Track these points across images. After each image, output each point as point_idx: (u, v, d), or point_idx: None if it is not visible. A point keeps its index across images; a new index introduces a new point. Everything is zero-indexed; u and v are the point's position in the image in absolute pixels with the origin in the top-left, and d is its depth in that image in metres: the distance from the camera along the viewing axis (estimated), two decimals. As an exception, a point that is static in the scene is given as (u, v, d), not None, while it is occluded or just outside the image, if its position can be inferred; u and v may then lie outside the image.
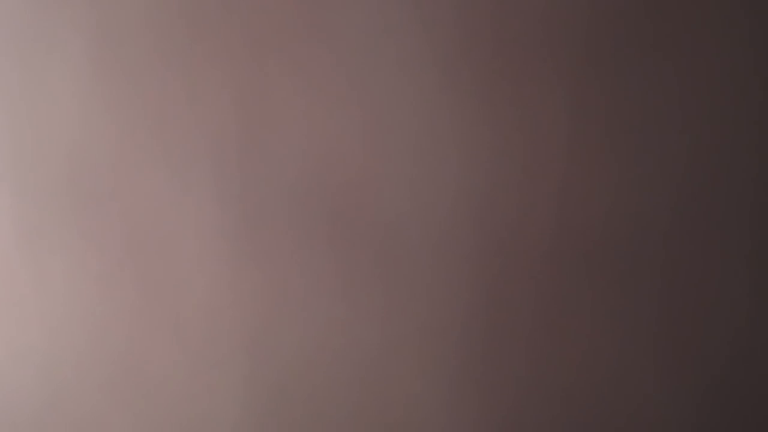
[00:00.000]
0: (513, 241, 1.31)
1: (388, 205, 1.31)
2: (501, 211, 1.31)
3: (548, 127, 1.32)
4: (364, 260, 1.31)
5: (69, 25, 1.27)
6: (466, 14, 1.29)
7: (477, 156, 1.31)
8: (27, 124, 1.28)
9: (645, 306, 1.31)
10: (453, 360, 1.31)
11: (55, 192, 1.29)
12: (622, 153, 1.32)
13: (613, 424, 1.31)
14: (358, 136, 1.31)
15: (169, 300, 1.30)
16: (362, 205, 1.30)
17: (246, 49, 1.29)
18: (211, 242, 1.30)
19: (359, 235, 1.31)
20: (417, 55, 1.29)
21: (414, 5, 1.29)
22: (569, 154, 1.32)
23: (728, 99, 1.31)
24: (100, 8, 1.27)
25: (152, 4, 1.28)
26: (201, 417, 1.30)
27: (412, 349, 1.31)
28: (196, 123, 1.30)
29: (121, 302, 1.29)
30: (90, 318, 1.29)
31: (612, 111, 1.32)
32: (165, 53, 1.27)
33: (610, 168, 1.32)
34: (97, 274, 1.29)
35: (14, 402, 1.29)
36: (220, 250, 1.30)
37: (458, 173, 1.31)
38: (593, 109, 1.32)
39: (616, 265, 1.31)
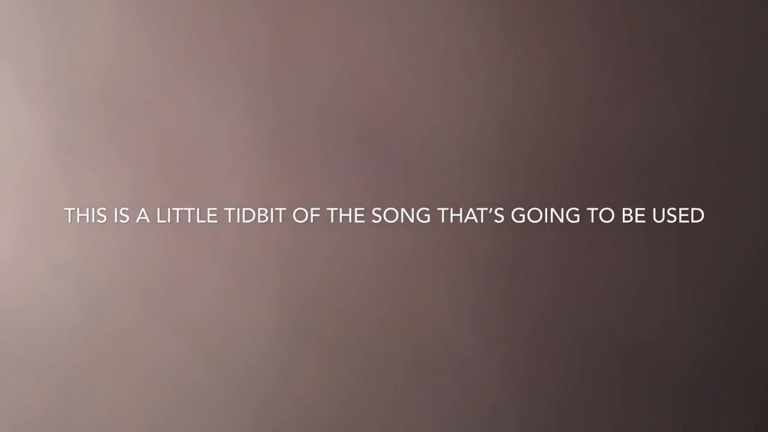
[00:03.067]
0: (539, 155, 1.33)
1: (418, 119, 1.33)
2: (528, 125, 1.33)
3: (573, 43, 1.33)
4: (394, 173, 1.33)
5: (103, -59, 1.29)
6: (494, -71, 1.31)
7: (504, 71, 1.33)
8: (62, 40, 1.30)
9: (669, 219, 1.34)
10: (481, 272, 1.34)
11: (90, 107, 1.31)
12: (647, 68, 1.33)
13: (638, 334, 1.34)
14: (388, 51, 1.32)
15: (202, 212, 1.32)
16: (392, 118, 1.32)
17: (277, -35, 1.31)
18: (244, 155, 1.32)
19: (389, 148, 1.33)
20: (446, -31, 1.31)
21: None
22: (594, 70, 1.33)
23: (750, 15, 1.33)
24: (133, -76, 1.29)
25: None
26: (235, 328, 1.33)
27: (441, 262, 1.34)
28: (229, 38, 1.31)
29: (156, 215, 1.32)
30: (126, 231, 1.32)
31: (636, 27, 1.33)
32: (198, -32, 1.29)
33: (634, 83, 1.33)
34: (132, 188, 1.32)
35: (53, 314, 1.32)
36: (253, 163, 1.32)
37: (486, 88, 1.33)
38: (617, 25, 1.33)
39: (640, 178, 1.33)
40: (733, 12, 1.33)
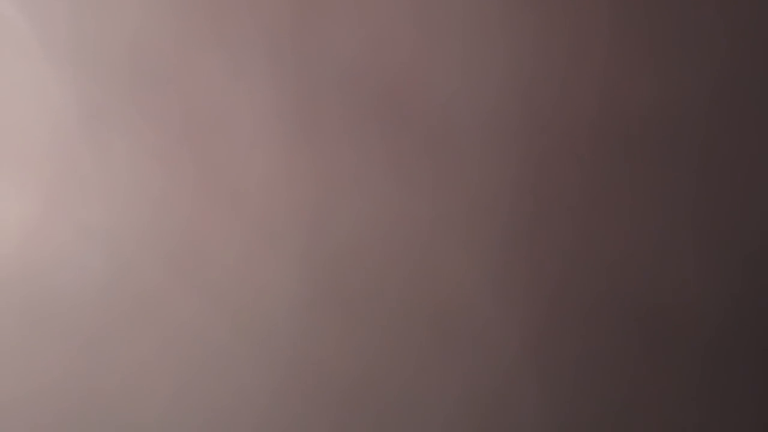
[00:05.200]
0: (558, 121, 1.36)
1: (438, 85, 1.35)
2: (547, 91, 1.36)
3: (591, 10, 1.36)
4: (414, 139, 1.35)
5: None
6: None
7: (523, 39, 1.36)
8: (89, 7, 1.32)
9: (685, 183, 1.36)
10: (501, 235, 1.36)
11: (116, 74, 1.33)
12: (663, 36, 1.36)
13: (655, 296, 1.36)
14: (409, 20, 1.35)
15: (226, 178, 1.34)
16: (413, 86, 1.35)
17: (300, -67, 1.33)
18: (267, 122, 1.34)
19: (410, 115, 1.35)
20: (467, -63, 1.33)
21: None
22: (612, 37, 1.36)
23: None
24: None
25: None
26: (258, 290, 1.35)
27: (462, 226, 1.36)
28: (252, 7, 1.34)
29: (181, 180, 1.34)
30: (151, 196, 1.34)
31: (653, -5, 1.36)
32: (223, -64, 1.31)
33: (651, 50, 1.36)
34: (158, 154, 1.34)
35: (80, 278, 1.34)
36: (275, 130, 1.34)
37: (505, 55, 1.36)
38: (635, -7, 1.36)
39: (657, 143, 1.36)
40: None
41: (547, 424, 1.36)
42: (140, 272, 1.34)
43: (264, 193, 1.35)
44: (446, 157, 1.35)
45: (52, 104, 1.33)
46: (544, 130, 1.35)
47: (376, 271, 1.36)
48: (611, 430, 1.36)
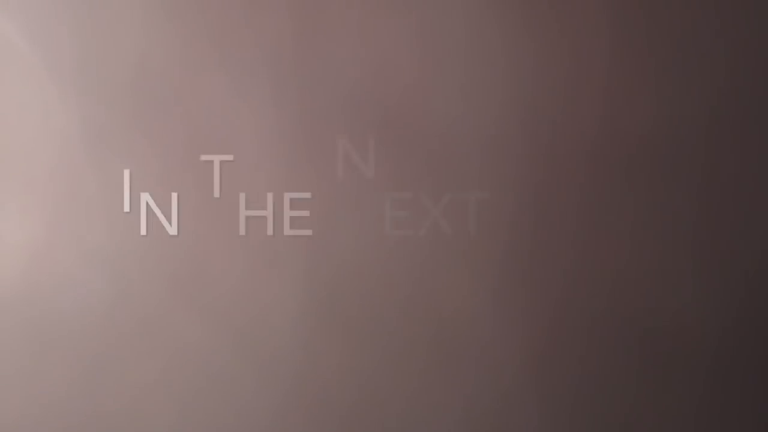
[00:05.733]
0: (558, 143, 1.37)
1: (440, 109, 1.36)
2: (546, 114, 1.37)
3: (591, 34, 1.37)
4: (415, 163, 1.36)
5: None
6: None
7: (523, 62, 1.37)
8: (93, 32, 1.33)
9: (685, 203, 1.37)
10: (501, 256, 1.37)
11: (120, 97, 1.34)
12: (662, 58, 1.37)
13: (654, 317, 1.38)
14: (410, 44, 1.36)
15: (229, 199, 1.35)
16: (414, 108, 1.36)
17: (303, -41, 1.34)
18: (269, 143, 1.35)
19: (411, 139, 1.36)
20: (467, -38, 1.34)
21: None
22: (611, 60, 1.37)
23: (765, 6, 1.37)
24: None
25: None
26: (261, 312, 1.36)
27: (463, 247, 1.37)
28: (255, 30, 1.35)
29: (185, 202, 1.35)
30: (154, 218, 1.35)
31: (651, 17, 1.37)
32: (226, -39, 1.33)
33: (650, 72, 1.37)
34: (160, 175, 1.35)
35: (84, 300, 1.34)
36: (278, 151, 1.35)
37: (506, 79, 1.37)
38: (633, 15, 1.37)
39: (656, 164, 1.37)
40: (748, 2, 1.37)
41: (547, 443, 1.38)
42: (143, 294, 1.35)
43: (266, 214, 1.36)
44: (447, 180, 1.36)
45: (56, 127, 1.34)
46: (545, 153, 1.37)
47: (378, 293, 1.37)
48: (611, 450, 1.37)
